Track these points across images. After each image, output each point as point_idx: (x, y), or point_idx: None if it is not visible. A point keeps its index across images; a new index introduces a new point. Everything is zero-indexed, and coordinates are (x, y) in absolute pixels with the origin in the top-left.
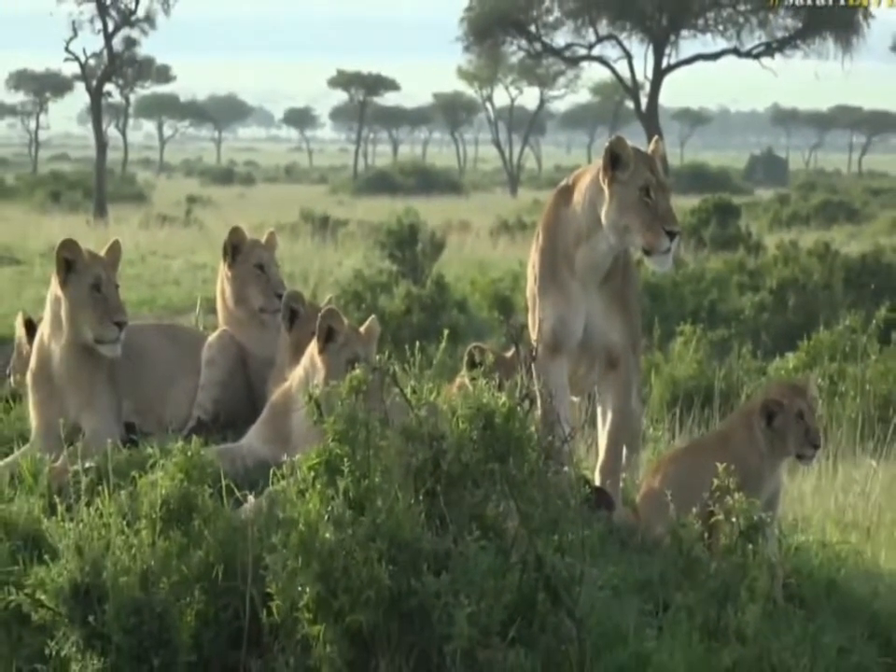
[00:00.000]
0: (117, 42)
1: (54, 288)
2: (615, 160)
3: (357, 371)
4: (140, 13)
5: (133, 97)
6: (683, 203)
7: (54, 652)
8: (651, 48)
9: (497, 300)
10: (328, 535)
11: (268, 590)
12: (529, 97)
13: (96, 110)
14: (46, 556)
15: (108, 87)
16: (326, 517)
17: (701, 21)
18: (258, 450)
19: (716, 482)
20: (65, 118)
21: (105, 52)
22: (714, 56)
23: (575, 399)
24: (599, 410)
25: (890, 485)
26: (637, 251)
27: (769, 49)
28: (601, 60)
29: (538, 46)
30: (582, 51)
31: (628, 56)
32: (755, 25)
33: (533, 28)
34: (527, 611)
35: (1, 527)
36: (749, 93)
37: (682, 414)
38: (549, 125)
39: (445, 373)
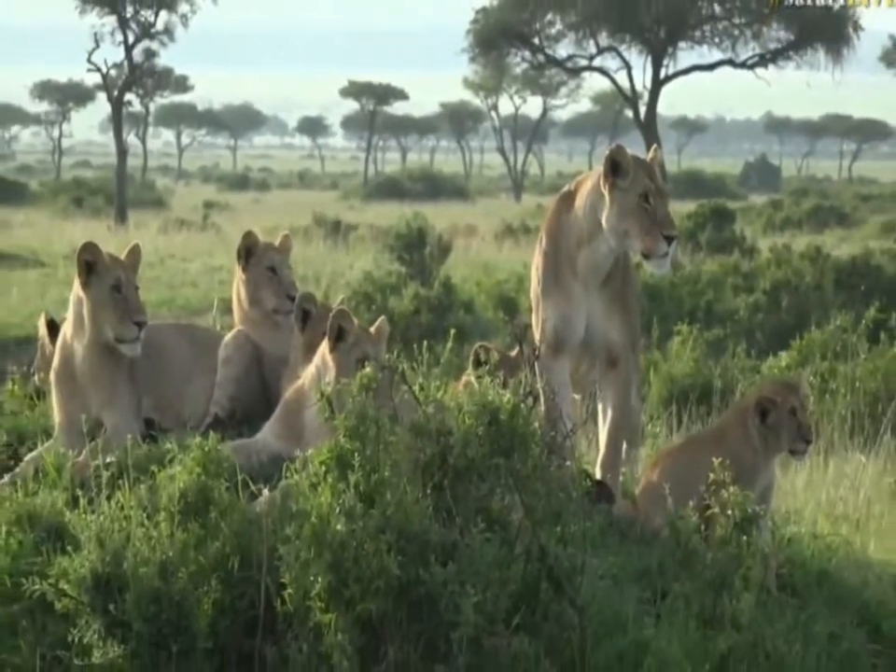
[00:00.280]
0: (137, 53)
1: (76, 290)
2: (615, 167)
3: (367, 370)
4: (159, 26)
5: (152, 106)
6: (680, 209)
7: (77, 639)
8: (649, 59)
9: (501, 301)
10: (339, 527)
11: (282, 579)
12: (533, 106)
13: (117, 119)
14: (68, 547)
15: (129, 97)
16: (337, 510)
17: (697, 34)
18: (272, 445)
19: (712, 476)
20: (87, 126)
21: (126, 63)
22: (710, 67)
23: (577, 396)
24: (600, 407)
25: (879, 479)
26: (636, 255)
27: (763, 60)
28: (602, 70)
29: (541, 57)
30: (584, 62)
31: (628, 67)
32: (749, 37)
33: (536, 40)
34: (531, 600)
35: (25, 519)
36: (743, 102)
37: (680, 411)
38: (551, 133)
39: (452, 371)
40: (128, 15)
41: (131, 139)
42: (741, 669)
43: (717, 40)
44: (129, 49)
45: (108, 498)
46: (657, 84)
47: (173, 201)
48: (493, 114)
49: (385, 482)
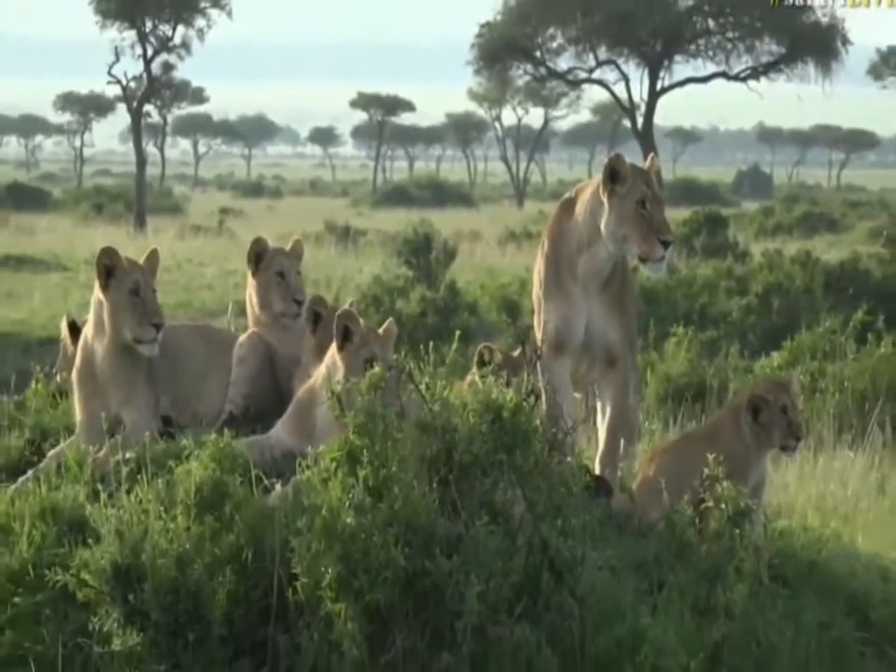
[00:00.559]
0: (155, 66)
1: (97, 293)
2: (614, 175)
3: (376, 369)
4: (177, 40)
5: (170, 117)
6: (676, 215)
7: (97, 628)
8: (646, 71)
9: (504, 303)
10: (349, 520)
11: (294, 570)
12: (534, 117)
13: (136, 129)
14: (89, 540)
15: (147, 108)
16: (347, 504)
17: (693, 47)
18: (284, 442)
19: (706, 471)
20: (108, 136)
21: (145, 76)
22: (704, 79)
23: (577, 395)
24: (599, 405)
25: (866, 474)
26: (633, 259)
27: (755, 73)
28: (601, 82)
29: (542, 70)
30: (583, 75)
31: (625, 79)
32: (742, 51)
33: (538, 53)
34: (533, 590)
35: (48, 512)
36: (736, 113)
37: (675, 409)
38: (552, 143)
39: (457, 371)
40: (147, 29)
41: (149, 148)
42: (734, 657)
43: (711, 54)
44: (148, 63)
45: (127, 492)
46: (654, 95)
47: (189, 207)
48: (496, 124)
49: (392, 477)
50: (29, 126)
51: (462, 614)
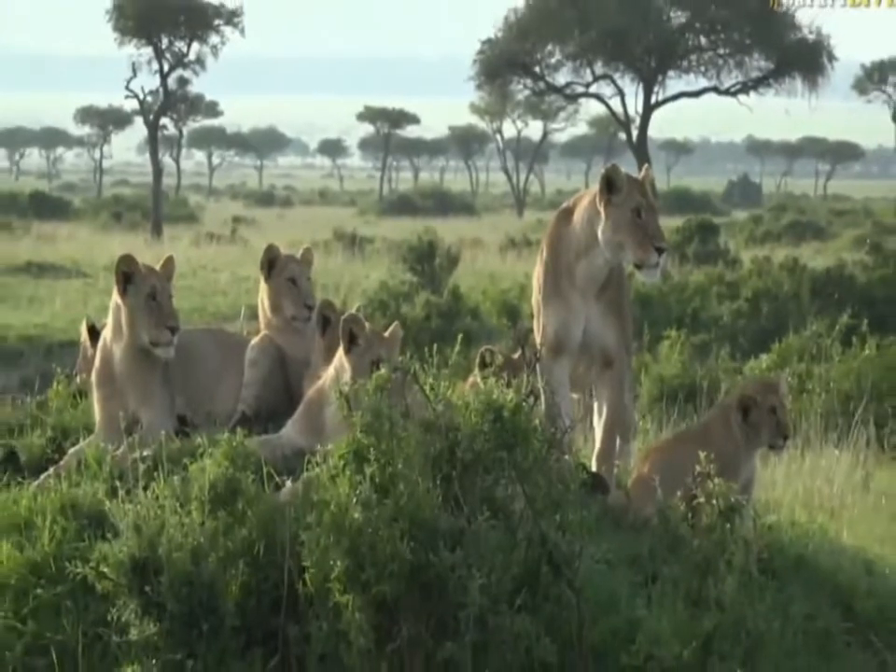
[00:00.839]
0: (171, 81)
1: (115, 298)
2: (610, 184)
3: (382, 371)
4: (192, 56)
5: (185, 130)
6: (669, 223)
7: (116, 618)
8: (641, 86)
9: (505, 307)
10: (356, 515)
11: (304, 563)
12: (534, 129)
13: (153, 141)
14: (108, 534)
15: (164, 121)
16: (354, 500)
17: (685, 63)
18: (295, 440)
19: (698, 468)
20: (126, 148)
21: (161, 91)
22: (696, 94)
23: (574, 395)
24: (595, 405)
25: (851, 472)
26: (629, 265)
27: (745, 88)
28: (597, 97)
29: (541, 84)
30: (580, 89)
31: (621, 93)
32: (732, 66)
33: (537, 69)
34: (532, 582)
35: (69, 508)
36: (727, 126)
37: (668, 409)
38: (551, 154)
39: (460, 373)
40: (163, 46)
41: (165, 160)
42: (725, 646)
43: (702, 69)
44: (164, 78)
45: (144, 489)
46: (648, 109)
47: (204, 216)
48: (497, 137)
49: (398, 474)
50: (50, 138)
51: (465, 605)
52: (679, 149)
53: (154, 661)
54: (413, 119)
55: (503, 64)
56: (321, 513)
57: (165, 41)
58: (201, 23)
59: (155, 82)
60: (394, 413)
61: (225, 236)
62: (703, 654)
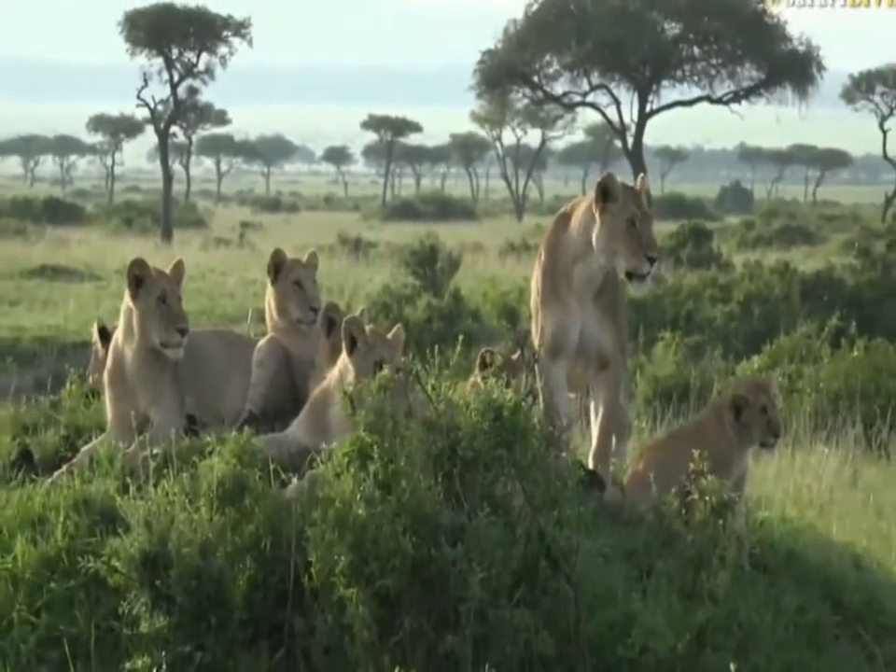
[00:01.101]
0: (181, 91)
1: (127, 301)
2: (606, 193)
3: (385, 372)
4: (201, 66)
5: (194, 138)
6: (663, 228)
7: (126, 611)
8: (636, 95)
9: (505, 310)
10: (360, 511)
11: (309, 558)
12: (532, 137)
13: (163, 149)
14: (119, 529)
15: (174, 129)
16: (358, 496)
17: (679, 73)
18: (300, 439)
19: (692, 466)
20: (137, 155)
21: (171, 100)
22: (690, 102)
23: (571, 395)
24: (592, 405)
25: (840, 469)
26: (621, 273)
27: (737, 97)
28: (594, 105)
29: (540, 94)
30: (578, 98)
31: (617, 102)
32: (725, 76)
33: (536, 79)
34: (531, 577)
35: (81, 504)
36: (719, 134)
37: (663, 408)
38: (549, 161)
39: (460, 373)
40: (173, 57)
41: (175, 167)
42: (718, 638)
43: (696, 79)
44: (174, 87)
45: (155, 486)
46: (643, 117)
47: (212, 221)
48: (497, 144)
49: (400, 471)
50: (64, 146)
51: (465, 599)
52: (673, 156)
53: (164, 653)
54: (416, 128)
55: (503, 74)
56: (326, 510)
57: (175, 52)
58: (210, 34)
59: (165, 91)
60: (397, 413)
61: (233, 241)
62: (696, 646)
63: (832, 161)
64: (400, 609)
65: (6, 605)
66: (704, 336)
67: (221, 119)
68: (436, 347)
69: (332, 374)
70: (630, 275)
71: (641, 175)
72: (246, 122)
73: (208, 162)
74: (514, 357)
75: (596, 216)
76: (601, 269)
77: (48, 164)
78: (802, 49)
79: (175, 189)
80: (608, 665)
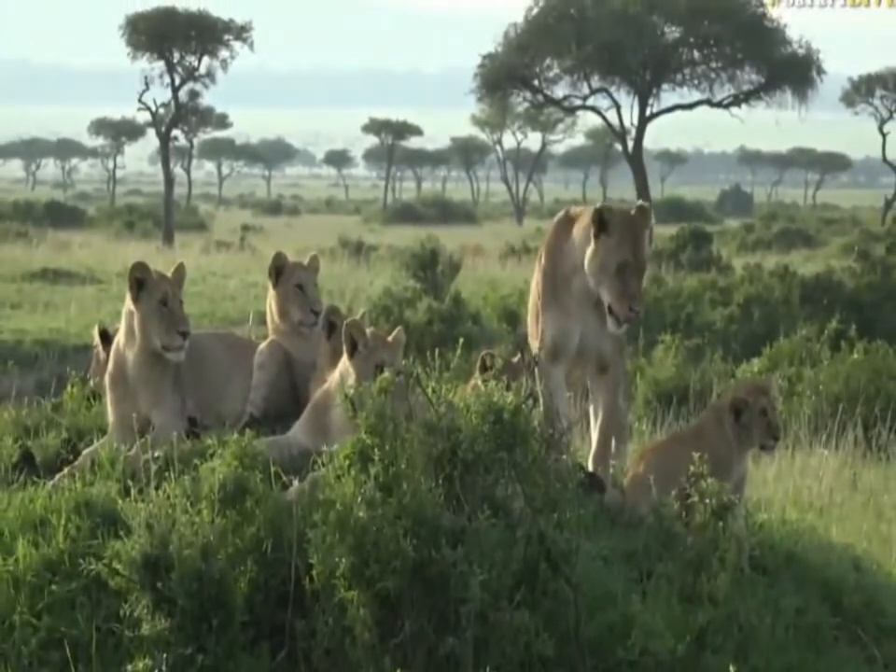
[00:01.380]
0: (182, 94)
1: (128, 304)
2: (601, 224)
3: (385, 374)
4: (202, 70)
5: (196, 141)
6: (664, 231)
7: (128, 613)
8: (636, 99)
9: (505, 313)
10: (361, 514)
11: (310, 560)
12: (533, 141)
13: (165, 152)
14: (121, 532)
15: (175, 132)
16: (359, 498)
17: (679, 76)
18: (301, 441)
19: (691, 468)
20: (138, 159)
21: (173, 103)
22: (690, 106)
23: (567, 393)
24: (591, 407)
25: (840, 471)
26: (605, 304)
27: (737, 100)
28: (594, 109)
29: (540, 97)
30: (578, 102)
31: (617, 106)
32: (725, 80)
33: (536, 82)
34: (531, 578)
35: (83, 507)
36: (719, 137)
37: (663, 411)
38: (549, 165)
39: (461, 376)
40: (174, 60)
41: (177, 170)
42: (718, 640)
43: (696, 82)
44: (175, 91)
45: (156, 488)
46: (643, 121)
47: (214, 224)
48: (497, 147)
49: (401, 473)
50: (65, 149)
51: (466, 601)
52: (673, 160)
53: (165, 655)
54: (416, 131)
55: (503, 78)
56: (327, 512)
57: (177, 55)
58: (211, 38)
59: (167, 95)
60: (397, 415)
61: (234, 244)
62: (696, 648)
63: (831, 164)
64: (401, 610)
65: (7, 607)
66: (704, 339)
67: (222, 122)
68: (436, 350)
69: (333, 377)
70: (611, 311)
71: (641, 203)
72: (247, 126)
73: (209, 166)
74: (514, 359)
75: (591, 239)
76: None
77: (49, 168)
78: (801, 52)
79: (176, 193)
80: (607, 667)
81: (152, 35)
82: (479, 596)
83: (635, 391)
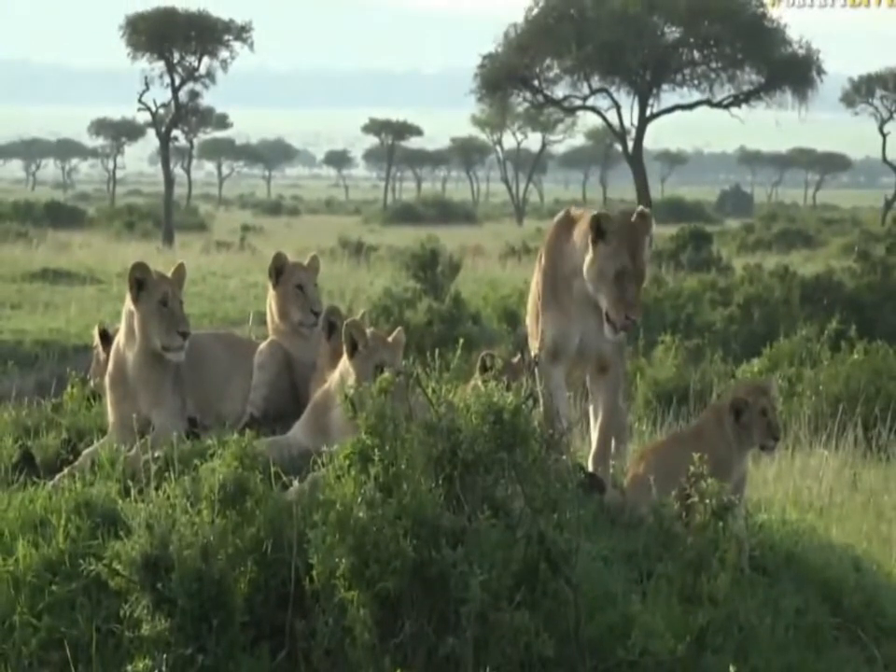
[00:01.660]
0: (182, 95)
1: (128, 304)
2: (599, 231)
3: (385, 374)
4: (202, 70)
5: (196, 141)
6: (664, 232)
7: (128, 614)
8: (636, 99)
9: (505, 313)
10: (361, 514)
11: (310, 560)
12: (533, 141)
13: (165, 152)
14: (121, 532)
15: (175, 133)
16: (359, 499)
17: (679, 77)
18: (301, 441)
19: (692, 468)
20: (138, 159)
21: (173, 103)
22: (690, 106)
23: (568, 393)
24: (591, 408)
25: (840, 471)
26: (602, 309)
27: (737, 100)
28: (594, 109)
29: (540, 97)
30: (578, 102)
31: (617, 106)
32: (725, 80)
33: (536, 82)
34: (531, 579)
35: (83, 507)
36: (719, 138)
37: (663, 411)
38: (549, 165)
39: (461, 376)
40: (174, 60)
41: (177, 170)
42: (718, 640)
43: (696, 83)
44: (175, 91)
45: (156, 489)
46: (643, 121)
47: (214, 225)
48: (498, 148)
49: (401, 474)
50: (65, 150)
51: (466, 601)
52: (673, 160)
53: (165, 655)
54: (417, 131)
55: (503, 78)
56: (327, 512)
57: (177, 56)
58: (211, 39)
59: (167, 95)
60: (397, 416)
61: (234, 244)
62: (696, 648)
63: (831, 164)
64: (401, 611)
65: (7, 607)
66: (704, 339)
67: (222, 122)
68: (436, 350)
69: (333, 377)
70: (608, 318)
71: (642, 209)
72: (247, 126)
73: (209, 166)
74: (514, 360)
75: (590, 245)
76: None
77: (49, 168)
78: (801, 52)
79: (176, 193)
80: (607, 667)
81: (152, 35)
82: (479, 597)
83: (635, 391)
